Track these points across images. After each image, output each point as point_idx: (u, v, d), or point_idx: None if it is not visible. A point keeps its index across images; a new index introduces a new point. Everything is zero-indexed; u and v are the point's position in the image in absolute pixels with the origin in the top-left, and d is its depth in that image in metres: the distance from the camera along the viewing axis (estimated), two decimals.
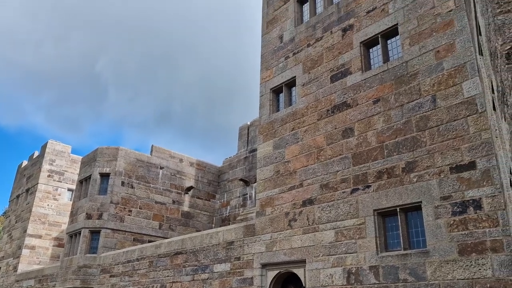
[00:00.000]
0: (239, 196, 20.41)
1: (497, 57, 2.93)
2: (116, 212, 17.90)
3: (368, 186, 8.96)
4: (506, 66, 2.67)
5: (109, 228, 17.55)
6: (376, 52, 10.22)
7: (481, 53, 5.67)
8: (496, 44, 2.84)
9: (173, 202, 20.02)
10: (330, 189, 9.72)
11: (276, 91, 12.52)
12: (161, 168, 19.97)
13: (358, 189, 9.15)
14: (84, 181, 19.11)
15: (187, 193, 20.69)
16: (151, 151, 20.17)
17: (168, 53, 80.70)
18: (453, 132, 7.89)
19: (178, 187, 20.45)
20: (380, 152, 8.98)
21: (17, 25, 72.06)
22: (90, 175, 18.57)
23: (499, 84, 3.22)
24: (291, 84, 12.10)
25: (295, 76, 11.85)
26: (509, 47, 2.71)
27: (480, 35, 4.76)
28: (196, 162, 21.71)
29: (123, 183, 18.47)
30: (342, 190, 9.45)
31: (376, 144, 9.10)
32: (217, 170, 22.31)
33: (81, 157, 22.92)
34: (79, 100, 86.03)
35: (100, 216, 17.66)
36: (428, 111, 8.40)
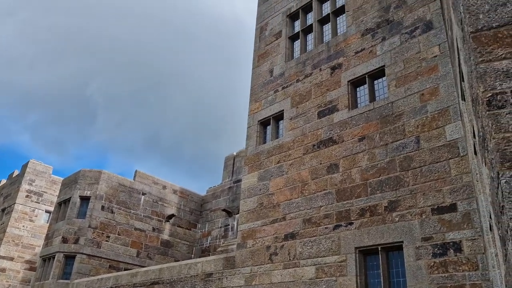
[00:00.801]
0: (220, 227, 20.13)
1: (479, 104, 3.03)
2: (94, 237, 17.43)
3: (351, 223, 8.95)
4: (487, 112, 2.77)
5: (85, 254, 17.03)
6: (363, 91, 10.46)
7: (463, 99, 5.85)
8: (478, 91, 2.94)
9: (153, 229, 19.63)
10: (313, 224, 9.68)
11: (264, 123, 12.63)
12: (143, 194, 19.68)
13: (340, 225, 9.13)
14: (63, 203, 18.67)
15: (168, 221, 20.34)
16: (134, 176, 19.93)
17: (160, 80, 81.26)
18: (435, 173, 8.01)
19: (159, 215, 20.10)
20: (363, 190, 9.04)
21: (12, 46, 72.07)
22: (70, 197, 18.18)
23: (480, 129, 3.32)
24: (279, 117, 12.24)
25: (283, 110, 12.01)
26: (490, 94, 2.81)
27: (463, 81, 4.93)
28: (180, 190, 21.47)
29: (103, 208, 18.10)
30: (325, 226, 9.41)
31: (360, 182, 9.17)
32: (200, 199, 22.08)
33: (62, 179, 22.49)
34: (67, 122, 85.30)
35: (76, 241, 17.16)
36: (411, 151, 8.55)
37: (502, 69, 2.85)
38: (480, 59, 2.96)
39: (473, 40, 3.03)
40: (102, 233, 17.74)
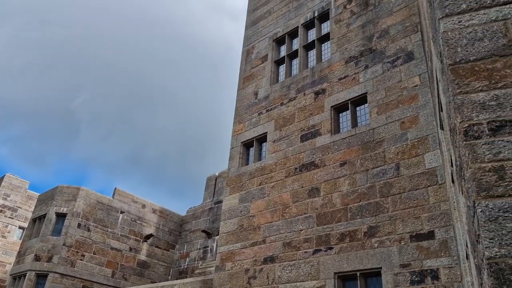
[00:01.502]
0: (199, 248, 19.82)
1: (456, 133, 3.12)
2: (68, 256, 16.93)
3: (331, 248, 8.94)
4: (464, 142, 2.85)
5: (57, 273, 16.48)
6: (345, 117, 10.63)
7: (442, 128, 6.01)
8: (456, 121, 3.03)
9: (130, 249, 19.19)
10: (293, 248, 9.62)
11: (247, 145, 12.66)
12: (121, 212, 19.31)
13: (320, 250, 9.10)
14: (38, 220, 18.15)
15: (146, 241, 19.93)
16: (114, 194, 19.57)
17: (147, 98, 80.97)
18: (414, 200, 8.12)
19: (137, 234, 19.71)
20: (344, 214, 9.07)
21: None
22: (46, 213, 17.70)
23: (458, 158, 3.40)
24: (262, 139, 12.29)
25: (266, 132, 12.08)
26: (467, 125, 2.90)
27: (442, 111, 5.07)
28: (159, 209, 21.15)
29: (79, 225, 17.65)
30: (305, 250, 9.37)
31: (341, 206, 9.21)
32: (180, 219, 21.76)
33: (38, 194, 21.93)
34: (49, 136, 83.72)
35: (49, 259, 16.63)
36: (391, 178, 8.66)
37: (479, 101, 2.95)
38: (458, 90, 3.06)
39: (451, 72, 3.15)
40: (77, 251, 17.25)
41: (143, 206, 20.44)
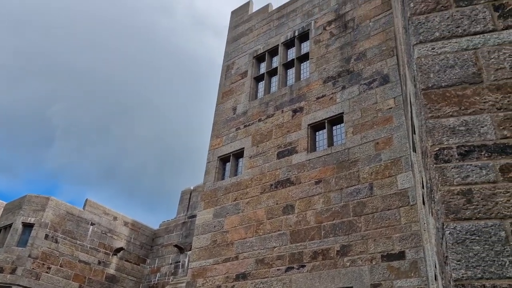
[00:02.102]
0: (171, 263, 19.45)
1: (427, 156, 3.20)
2: (33, 268, 16.31)
3: (303, 266, 8.93)
4: (434, 165, 2.92)
5: (21, 285, 15.82)
6: (322, 135, 10.77)
7: (414, 150, 6.16)
8: (427, 144, 3.12)
9: (99, 262, 18.65)
10: (265, 265, 9.57)
11: (224, 159, 12.63)
12: (92, 224, 18.82)
13: (293, 267, 9.08)
14: (3, 230, 17.46)
15: (116, 255, 19.43)
16: (84, 205, 19.08)
17: (125, 108, 79.79)
18: (386, 220, 8.23)
19: (107, 247, 19.20)
20: (317, 232, 9.11)
21: None
22: (12, 223, 17.06)
23: (428, 181, 3.49)
24: (239, 154, 12.29)
25: (243, 148, 12.09)
26: (437, 148, 2.99)
27: (415, 133, 5.21)
28: (131, 222, 20.72)
29: (47, 236, 17.08)
30: (277, 267, 9.33)
31: (315, 224, 9.25)
32: (152, 233, 21.36)
33: (5, 203, 21.16)
34: (22, 145, 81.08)
35: (13, 271, 15.98)
36: (365, 197, 8.78)
37: (449, 125, 3.05)
38: (430, 114, 3.16)
39: (424, 96, 3.25)
40: (43, 264, 16.65)
41: (115, 218, 19.99)
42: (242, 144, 12.19)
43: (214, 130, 13.49)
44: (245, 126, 12.51)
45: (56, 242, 17.33)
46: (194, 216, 18.67)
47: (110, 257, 19.21)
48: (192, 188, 21.10)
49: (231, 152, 12.41)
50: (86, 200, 19.22)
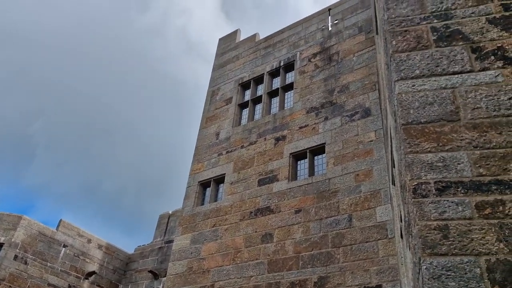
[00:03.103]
0: None
1: (406, 190, 3.24)
2: None
3: None
4: (412, 199, 2.96)
5: None
6: (303, 164, 10.83)
7: (393, 183, 6.24)
8: (406, 178, 3.17)
9: (69, 286, 17.95)
10: None
11: (204, 184, 12.52)
12: (64, 246, 18.22)
13: None
14: None
15: (87, 279, 18.76)
16: (58, 225, 18.50)
17: (108, 129, 78.68)
18: (364, 253, 8.22)
19: (79, 271, 18.55)
20: (295, 263, 9.02)
21: None
22: None
23: (406, 215, 3.52)
24: (219, 180, 12.22)
25: (225, 174, 12.03)
26: (416, 183, 3.03)
27: (394, 167, 5.28)
28: (106, 245, 20.14)
29: (16, 257, 16.43)
30: None
31: (293, 254, 9.17)
32: (127, 257, 20.78)
33: None
34: (0, 161, 78.75)
35: None
36: (344, 229, 8.78)
37: (427, 161, 3.11)
38: (409, 149, 3.22)
39: (404, 131, 3.32)
40: (10, 286, 15.93)
41: (89, 240, 19.42)
42: (224, 170, 12.14)
43: (196, 154, 13.42)
44: (227, 152, 12.50)
45: (26, 263, 16.67)
46: (171, 241, 18.29)
47: (81, 281, 18.53)
48: (170, 212, 20.76)
49: (212, 178, 12.33)
50: (60, 220, 18.67)
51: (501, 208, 2.76)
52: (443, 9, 3.94)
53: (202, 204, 12.13)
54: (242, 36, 16.35)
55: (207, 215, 11.48)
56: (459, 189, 2.92)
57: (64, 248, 18.18)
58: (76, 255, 18.62)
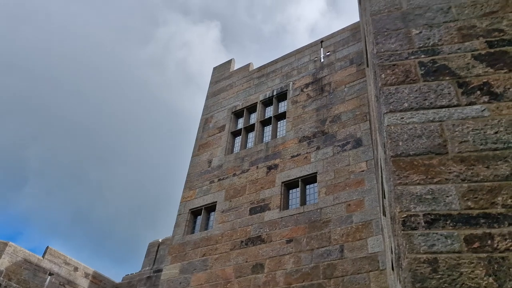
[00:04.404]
0: None
1: (396, 222, 3.25)
2: None
3: None
4: (402, 232, 2.96)
5: None
6: (295, 193, 10.80)
7: (384, 214, 6.23)
8: (395, 210, 3.17)
9: None
10: None
11: (195, 212, 12.40)
12: (50, 274, 17.75)
13: None
14: None
15: None
16: (45, 253, 18.08)
17: (103, 156, 78.18)
18: (356, 285, 8.11)
19: None
20: None
21: None
22: None
23: (396, 247, 3.51)
24: (211, 208, 12.11)
25: (216, 202, 11.95)
26: (405, 215, 3.04)
27: (385, 198, 5.30)
28: (93, 274, 19.66)
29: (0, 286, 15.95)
30: None
31: (284, 285, 9.01)
32: (114, 287, 20.26)
33: None
34: None
35: None
36: (335, 259, 8.69)
37: (416, 193, 3.13)
38: (398, 181, 3.25)
39: (393, 163, 3.35)
40: None
41: (76, 269, 18.95)
42: (215, 198, 12.05)
43: (187, 182, 13.35)
44: (219, 180, 12.45)
45: None
46: (160, 271, 17.90)
47: None
48: (160, 240, 20.44)
49: (203, 205, 12.22)
50: (47, 247, 18.26)
51: (489, 241, 2.76)
52: (430, 45, 4.06)
53: (193, 232, 11.98)
54: (236, 66, 16.60)
55: (197, 244, 11.31)
56: (448, 222, 2.92)
57: (49, 277, 17.71)
58: (61, 283, 18.12)
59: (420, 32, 4.23)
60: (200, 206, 12.27)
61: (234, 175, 12.19)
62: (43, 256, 17.96)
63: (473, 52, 3.84)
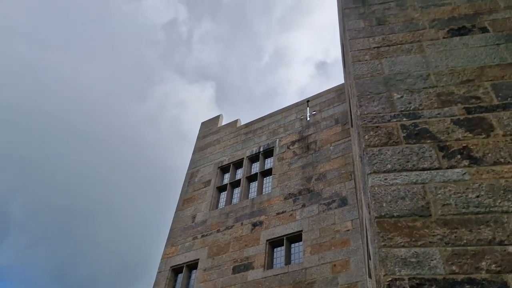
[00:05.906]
0: None
1: (381, 286, 3.18)
2: None
3: None
4: None
5: None
6: (280, 252, 10.56)
7: (370, 276, 6.10)
8: (380, 273, 3.12)
9: None
10: None
11: (176, 270, 11.96)
12: None
13: None
14: None
15: None
16: None
17: (87, 210, 75.99)
18: None
19: None
20: None
21: None
22: None
23: None
24: (193, 266, 11.71)
25: (198, 259, 11.58)
26: (390, 279, 2.99)
27: (370, 259, 5.22)
28: None
29: None
30: None
31: None
32: None
33: None
34: None
35: None
36: None
37: (401, 256, 3.10)
38: (383, 243, 3.22)
39: (377, 224, 3.34)
40: None
41: None
42: (198, 255, 11.70)
43: (170, 237, 13.00)
44: (202, 236, 12.16)
45: None
46: None
47: None
48: None
49: (185, 263, 11.82)
50: None
51: None
52: (411, 109, 4.21)
53: None
54: (224, 121, 16.85)
55: None
56: (433, 287, 2.88)
57: None
58: None
59: (402, 97, 4.40)
60: (182, 264, 11.86)
61: (218, 231, 11.94)
62: None
63: (452, 117, 3.99)
